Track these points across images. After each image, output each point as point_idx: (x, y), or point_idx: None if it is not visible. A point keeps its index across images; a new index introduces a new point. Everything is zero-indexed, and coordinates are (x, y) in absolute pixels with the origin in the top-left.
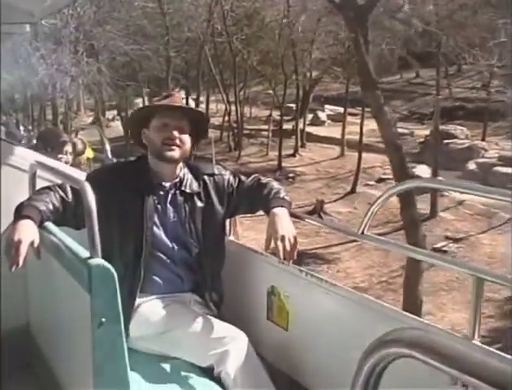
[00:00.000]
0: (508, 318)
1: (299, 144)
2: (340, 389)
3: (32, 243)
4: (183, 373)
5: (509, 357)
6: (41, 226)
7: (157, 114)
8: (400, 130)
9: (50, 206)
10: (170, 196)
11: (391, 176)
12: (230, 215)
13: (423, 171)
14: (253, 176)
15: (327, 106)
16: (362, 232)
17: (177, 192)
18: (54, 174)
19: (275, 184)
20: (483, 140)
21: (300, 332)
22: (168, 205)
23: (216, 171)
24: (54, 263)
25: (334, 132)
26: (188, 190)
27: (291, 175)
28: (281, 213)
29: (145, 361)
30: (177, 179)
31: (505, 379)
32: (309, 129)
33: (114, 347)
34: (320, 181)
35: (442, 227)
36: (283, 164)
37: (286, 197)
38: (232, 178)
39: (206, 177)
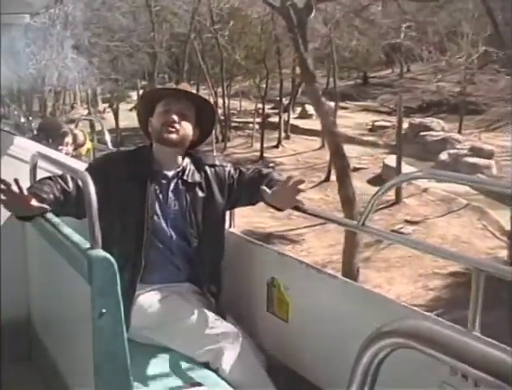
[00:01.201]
0: (448, 290)
1: (283, 136)
2: (341, 380)
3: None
4: (182, 364)
5: (509, 348)
6: (41, 214)
7: (161, 101)
8: (383, 123)
9: (51, 196)
10: (172, 185)
11: (365, 166)
12: (230, 207)
13: (392, 160)
14: (254, 168)
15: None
16: (363, 224)
17: (179, 181)
18: (55, 165)
19: (276, 174)
20: (459, 132)
21: (300, 324)
22: (170, 194)
23: (217, 163)
24: (55, 254)
25: (320, 125)
26: (190, 180)
27: (271, 164)
28: None
29: (144, 352)
30: (179, 169)
31: (505, 369)
32: (297, 122)
33: (115, 337)
34: (298, 170)
35: (404, 212)
36: (266, 155)
37: None
38: (232, 169)
39: (207, 168)
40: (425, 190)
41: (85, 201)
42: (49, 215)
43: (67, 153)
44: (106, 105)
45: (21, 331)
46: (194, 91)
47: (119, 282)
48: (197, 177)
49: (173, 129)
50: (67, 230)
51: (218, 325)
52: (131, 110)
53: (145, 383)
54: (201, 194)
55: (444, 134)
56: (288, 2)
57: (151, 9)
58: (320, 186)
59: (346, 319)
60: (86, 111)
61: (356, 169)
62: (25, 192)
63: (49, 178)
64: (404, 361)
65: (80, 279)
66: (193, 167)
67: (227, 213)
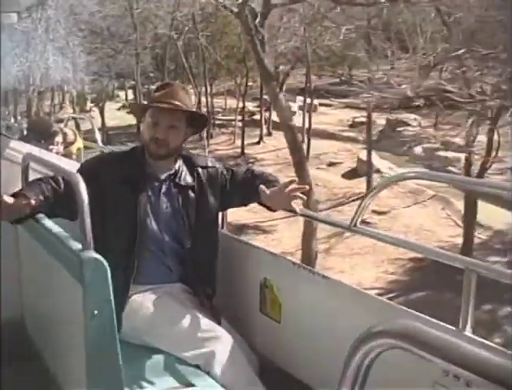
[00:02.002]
0: (406, 274)
1: (265, 132)
2: (333, 381)
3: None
4: (174, 365)
5: (501, 348)
6: (32, 216)
7: (150, 109)
8: (362, 119)
9: (42, 197)
10: (164, 187)
11: (341, 160)
12: (223, 208)
13: (364, 154)
14: (246, 168)
15: (299, 98)
16: (355, 225)
17: (171, 183)
18: (46, 166)
19: (270, 175)
20: (435, 127)
21: (293, 325)
22: (162, 196)
23: (210, 164)
24: (47, 256)
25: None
26: (182, 182)
27: (251, 160)
28: None
29: (136, 354)
30: (172, 171)
31: (496, 370)
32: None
33: (107, 339)
34: (276, 166)
35: (374, 203)
36: (247, 151)
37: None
38: (225, 170)
39: (199, 170)
40: (396, 183)
41: (77, 202)
42: (41, 217)
43: (57, 153)
44: (93, 104)
45: (15, 332)
46: (184, 90)
47: (110, 283)
48: (190, 179)
49: (162, 145)
50: (59, 231)
51: (210, 328)
52: (119, 109)
53: (138, 384)
54: (193, 196)
55: (420, 129)
56: (246, 7)
57: (133, 11)
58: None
59: (338, 320)
60: (76, 110)
61: (332, 164)
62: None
63: (41, 179)
64: (396, 360)
65: (72, 280)
66: (185, 169)
67: (220, 214)
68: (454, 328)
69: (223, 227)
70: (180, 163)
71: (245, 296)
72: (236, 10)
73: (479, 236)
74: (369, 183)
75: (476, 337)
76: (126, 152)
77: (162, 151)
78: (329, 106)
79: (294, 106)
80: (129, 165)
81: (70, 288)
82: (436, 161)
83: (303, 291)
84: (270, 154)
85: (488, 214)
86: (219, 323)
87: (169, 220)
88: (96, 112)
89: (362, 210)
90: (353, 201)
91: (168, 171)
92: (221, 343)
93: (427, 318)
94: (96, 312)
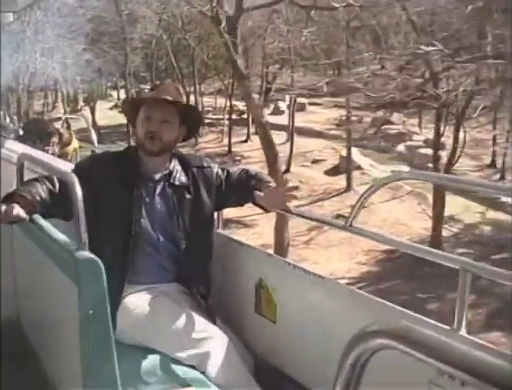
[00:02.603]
0: (378, 265)
1: (252, 131)
2: (328, 380)
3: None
4: (170, 365)
5: (494, 348)
6: (28, 215)
7: (144, 106)
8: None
9: (38, 198)
10: (159, 188)
11: (324, 158)
12: (218, 208)
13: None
14: (241, 168)
15: (287, 97)
16: (350, 225)
17: (166, 184)
18: (41, 166)
19: (264, 175)
20: (419, 125)
21: (288, 325)
22: (156, 196)
23: (205, 164)
24: (42, 256)
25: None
26: (177, 182)
27: (238, 158)
28: None
29: (131, 353)
30: (167, 172)
31: (490, 370)
32: (269, 118)
33: (102, 339)
34: (262, 163)
35: (353, 199)
36: (235, 149)
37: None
38: (220, 170)
39: (194, 170)
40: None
41: (72, 202)
42: (36, 217)
43: (52, 154)
44: (84, 104)
45: (11, 332)
46: (177, 90)
47: (105, 283)
48: (184, 179)
49: (156, 139)
50: (54, 231)
51: (205, 329)
52: (111, 108)
53: (133, 384)
54: (188, 196)
55: (403, 127)
56: (219, 11)
57: (120, 12)
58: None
59: (333, 320)
60: (67, 110)
61: (316, 161)
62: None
63: (36, 179)
64: (390, 360)
65: (67, 280)
66: (180, 169)
67: (215, 214)
68: (449, 328)
69: (218, 227)
70: (174, 163)
71: (241, 296)
72: (209, 14)
73: (451, 228)
74: (348, 180)
75: (471, 337)
76: (120, 152)
77: (156, 147)
78: (318, 104)
79: (283, 106)
80: (123, 165)
81: (65, 288)
82: (417, 158)
83: (298, 291)
84: (256, 152)
85: (461, 208)
86: (215, 323)
87: (164, 220)
88: (87, 111)
89: (357, 210)
90: (333, 196)
91: (163, 171)
92: (216, 343)
93: (423, 318)
94: (91, 312)
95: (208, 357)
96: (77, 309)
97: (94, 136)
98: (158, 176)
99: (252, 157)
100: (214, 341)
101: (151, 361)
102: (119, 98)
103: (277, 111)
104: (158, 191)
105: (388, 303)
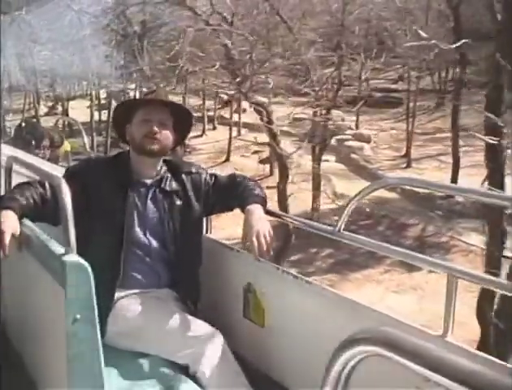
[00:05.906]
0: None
1: (209, 127)
2: (316, 386)
3: (13, 234)
4: (160, 370)
5: (481, 354)
6: (20, 219)
7: (140, 109)
8: (302, 115)
9: (31, 201)
10: (150, 193)
11: (263, 150)
12: (207, 213)
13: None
14: (229, 174)
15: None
16: (339, 230)
17: (157, 190)
18: (30, 170)
19: (251, 182)
20: (356, 122)
21: (276, 329)
22: (148, 202)
23: (194, 170)
24: (29, 259)
25: (250, 117)
26: (168, 188)
27: (188, 150)
28: (256, 209)
29: (121, 358)
30: (158, 177)
31: (476, 378)
32: (226, 114)
33: (89, 344)
34: (209, 154)
35: (273, 181)
36: (190, 142)
37: (261, 194)
38: (208, 176)
39: (184, 176)
40: (298, 166)
41: (60, 206)
42: (25, 220)
43: (43, 157)
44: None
45: None
46: (170, 97)
47: (93, 287)
48: (175, 185)
49: (155, 140)
50: (42, 235)
51: (198, 328)
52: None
53: (123, 389)
54: (178, 202)
55: (340, 123)
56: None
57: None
58: (221, 165)
59: (321, 324)
60: (46, 110)
61: (256, 152)
62: None
63: (28, 183)
64: (378, 366)
65: (55, 284)
66: (170, 175)
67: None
68: (436, 334)
69: (207, 232)
70: (164, 169)
71: (229, 300)
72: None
73: (338, 203)
74: (271, 167)
75: (458, 343)
76: (112, 157)
77: (155, 146)
78: (281, 103)
79: (245, 105)
80: (115, 171)
81: (52, 292)
82: (343, 149)
83: (286, 296)
84: (208, 145)
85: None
86: None
87: (155, 226)
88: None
89: (345, 216)
90: (259, 180)
91: (154, 176)
92: (211, 342)
93: (411, 324)
94: (78, 316)
95: (202, 355)
96: (64, 313)
97: (86, 140)
98: (149, 182)
99: (203, 149)
100: (208, 340)
101: (141, 365)
102: (98, 98)
103: (238, 110)
104: (150, 196)
105: (377, 309)
